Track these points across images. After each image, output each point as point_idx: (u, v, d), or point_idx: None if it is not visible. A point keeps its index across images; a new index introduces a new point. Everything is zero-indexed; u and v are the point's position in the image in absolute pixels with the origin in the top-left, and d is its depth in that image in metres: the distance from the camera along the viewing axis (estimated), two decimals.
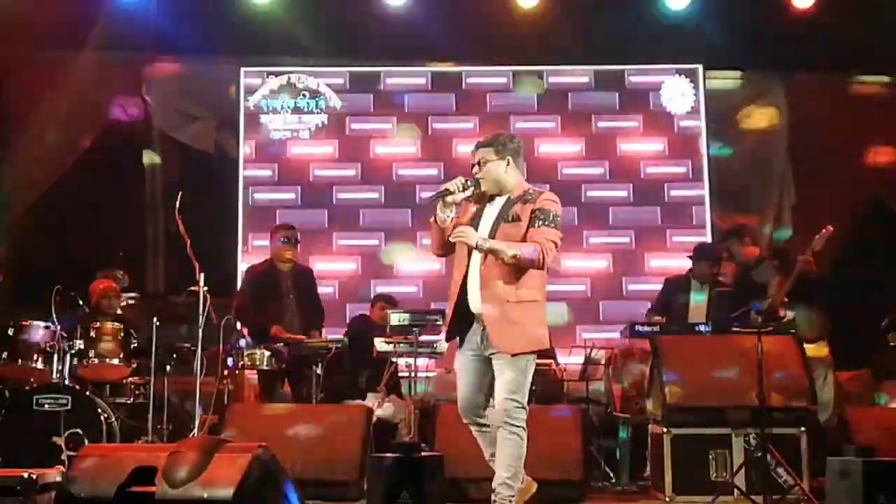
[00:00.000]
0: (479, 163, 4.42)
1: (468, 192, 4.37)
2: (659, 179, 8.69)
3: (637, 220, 8.63)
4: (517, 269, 4.26)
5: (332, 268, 8.52)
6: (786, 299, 6.20)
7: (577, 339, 8.15)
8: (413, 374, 6.44)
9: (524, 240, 4.27)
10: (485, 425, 4.37)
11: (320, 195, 8.67)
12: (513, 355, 4.22)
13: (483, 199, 4.43)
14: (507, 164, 4.40)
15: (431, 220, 4.41)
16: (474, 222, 4.39)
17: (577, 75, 8.72)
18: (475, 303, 4.31)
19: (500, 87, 8.82)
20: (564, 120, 8.71)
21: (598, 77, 8.77)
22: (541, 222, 4.30)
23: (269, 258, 6.92)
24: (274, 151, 8.74)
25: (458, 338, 4.43)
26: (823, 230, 6.02)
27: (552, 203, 4.35)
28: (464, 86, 8.84)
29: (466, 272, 4.34)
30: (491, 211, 4.41)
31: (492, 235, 4.30)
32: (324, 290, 7.99)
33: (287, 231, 6.88)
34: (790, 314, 6.20)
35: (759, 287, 6.49)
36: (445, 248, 4.46)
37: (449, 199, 4.31)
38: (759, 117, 9.05)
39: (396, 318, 6.11)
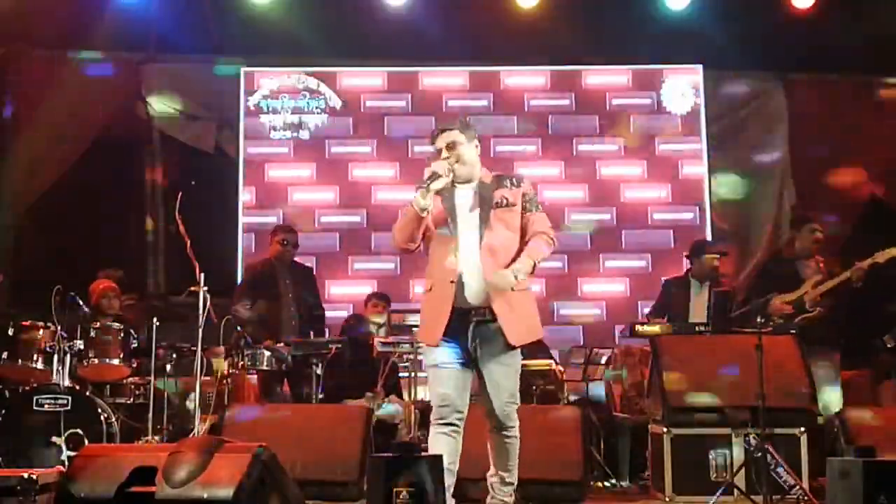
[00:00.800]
0: (448, 147, 4.18)
1: (449, 178, 4.14)
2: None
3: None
4: (513, 258, 4.13)
5: (369, 267, 8.55)
6: (820, 297, 6.21)
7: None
8: (413, 374, 6.45)
9: (522, 225, 4.18)
10: (458, 430, 4.17)
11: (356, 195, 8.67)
12: (512, 349, 4.12)
13: (446, 187, 4.17)
14: (477, 147, 4.25)
15: (408, 208, 4.11)
16: (450, 211, 4.16)
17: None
18: (475, 296, 4.11)
19: (538, 88, 8.76)
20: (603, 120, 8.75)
21: (599, 77, 8.82)
22: (535, 208, 4.22)
23: (268, 257, 6.92)
24: (278, 151, 8.74)
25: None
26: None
27: (533, 186, 4.32)
28: (502, 86, 8.79)
29: (458, 269, 4.12)
30: (466, 196, 4.20)
31: (486, 222, 4.14)
32: (360, 290, 7.97)
33: (287, 234, 6.87)
34: (818, 310, 6.20)
35: (796, 281, 6.44)
36: (418, 240, 4.19)
37: (434, 184, 4.06)
38: (758, 116, 9.06)
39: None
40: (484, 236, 4.13)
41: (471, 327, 4.12)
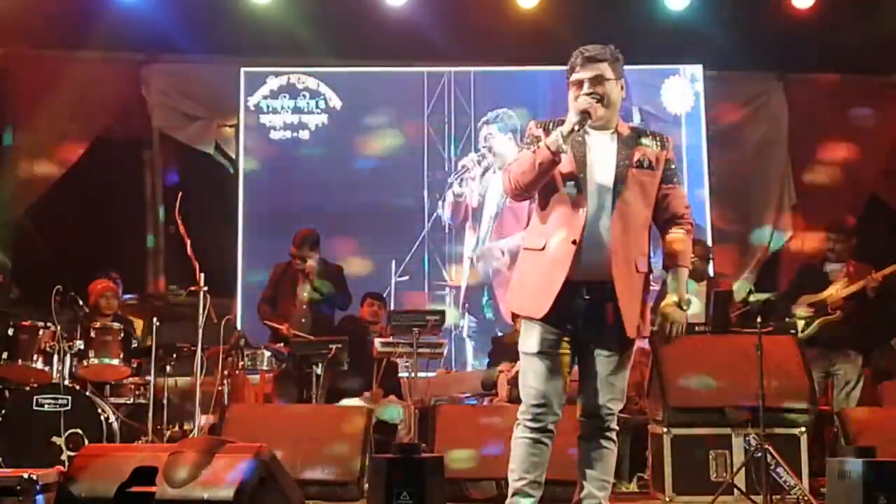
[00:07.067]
0: (593, 80, 3.49)
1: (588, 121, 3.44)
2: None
3: None
4: (646, 232, 3.55)
5: None
6: (842, 301, 6.23)
7: None
8: (413, 374, 6.45)
9: (657, 193, 3.54)
10: (553, 437, 3.54)
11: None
12: (627, 340, 3.50)
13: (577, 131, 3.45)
14: (622, 89, 3.56)
15: (539, 149, 3.41)
16: (580, 161, 3.47)
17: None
18: (595, 267, 3.42)
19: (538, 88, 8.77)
20: None
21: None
22: (676, 178, 3.57)
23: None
24: (278, 151, 8.74)
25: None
26: None
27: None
28: (472, 86, 8.80)
29: (583, 229, 3.42)
30: (601, 146, 3.50)
31: (621, 181, 3.46)
32: None
33: (303, 253, 6.83)
34: (838, 313, 6.24)
35: (826, 284, 6.47)
36: (536, 188, 3.47)
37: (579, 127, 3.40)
38: (758, 116, 9.06)
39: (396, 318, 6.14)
40: (617, 198, 3.45)
41: (582, 305, 3.44)
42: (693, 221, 3.65)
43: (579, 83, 3.54)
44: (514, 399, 5.38)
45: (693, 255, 6.67)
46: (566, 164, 3.45)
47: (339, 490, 5.18)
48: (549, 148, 3.38)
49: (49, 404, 5.66)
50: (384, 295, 7.72)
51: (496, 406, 6.37)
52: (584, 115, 3.40)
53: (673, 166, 3.59)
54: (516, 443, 3.53)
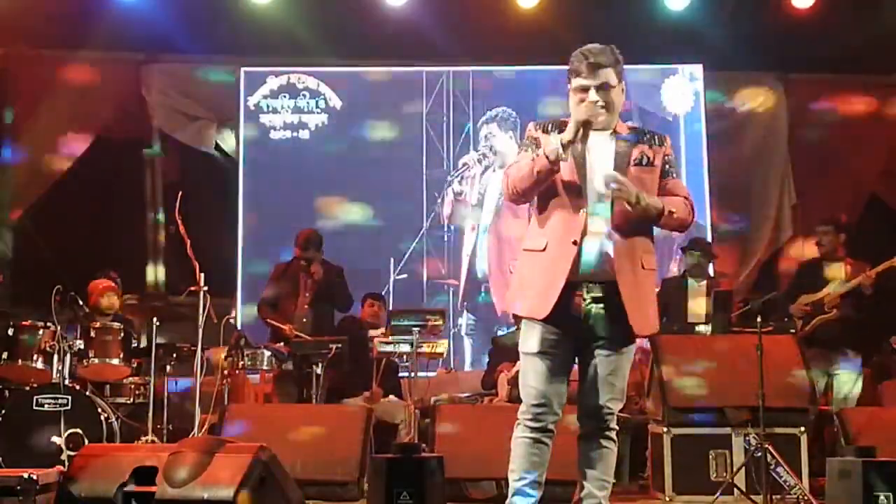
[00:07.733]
0: (599, 88, 3.48)
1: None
2: None
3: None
4: (649, 229, 3.55)
5: None
6: (839, 299, 6.24)
7: None
8: (413, 374, 6.45)
9: (658, 191, 3.54)
10: (552, 437, 3.57)
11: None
12: (630, 339, 3.52)
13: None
14: (623, 91, 3.57)
15: (539, 154, 3.42)
16: (580, 161, 3.48)
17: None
18: (597, 266, 3.45)
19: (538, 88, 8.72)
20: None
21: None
22: (675, 173, 3.63)
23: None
24: (277, 151, 8.74)
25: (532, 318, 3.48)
26: None
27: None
28: (471, 85, 8.80)
29: (583, 230, 3.45)
30: (600, 146, 3.52)
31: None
32: None
33: (305, 253, 6.85)
34: (834, 312, 6.26)
35: (823, 282, 6.49)
36: (535, 193, 3.50)
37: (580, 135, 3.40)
38: (758, 116, 9.05)
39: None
40: (618, 196, 3.47)
41: (584, 304, 3.46)
42: (694, 207, 3.64)
43: (584, 89, 3.52)
44: (514, 399, 5.38)
45: (696, 251, 6.76)
46: (565, 166, 3.47)
47: (339, 490, 5.18)
48: (547, 158, 3.39)
49: (49, 404, 5.65)
50: (383, 293, 7.73)
51: (496, 406, 6.37)
52: (586, 125, 3.41)
53: (670, 161, 3.61)
54: (516, 443, 3.55)
